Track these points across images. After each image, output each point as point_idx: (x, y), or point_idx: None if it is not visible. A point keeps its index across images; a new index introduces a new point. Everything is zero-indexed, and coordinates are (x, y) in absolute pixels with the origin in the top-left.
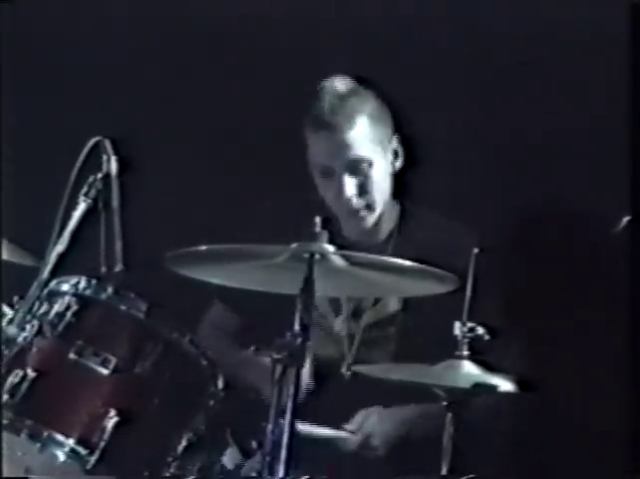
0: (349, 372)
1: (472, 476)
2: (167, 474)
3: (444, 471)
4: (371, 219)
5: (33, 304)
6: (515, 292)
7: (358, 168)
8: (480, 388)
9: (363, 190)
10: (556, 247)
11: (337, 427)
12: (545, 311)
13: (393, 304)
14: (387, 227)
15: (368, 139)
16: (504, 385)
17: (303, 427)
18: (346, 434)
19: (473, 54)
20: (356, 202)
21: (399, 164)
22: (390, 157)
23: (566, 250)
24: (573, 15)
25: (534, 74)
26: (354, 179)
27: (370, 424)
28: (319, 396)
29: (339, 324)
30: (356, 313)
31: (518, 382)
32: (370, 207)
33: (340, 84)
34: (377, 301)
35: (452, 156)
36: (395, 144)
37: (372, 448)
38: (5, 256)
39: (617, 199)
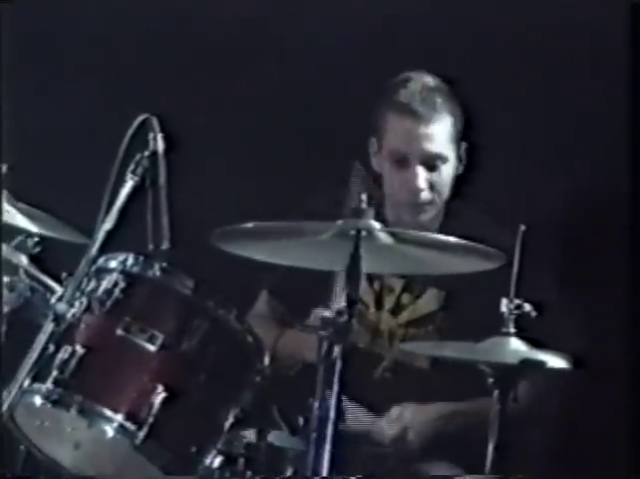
0: (387, 373)
1: (520, 476)
2: (214, 450)
3: (490, 449)
4: (430, 214)
5: (81, 281)
6: (562, 269)
7: (433, 162)
8: (528, 364)
9: (433, 185)
10: (603, 224)
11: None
12: (593, 288)
13: (433, 302)
14: (433, 225)
15: (448, 137)
16: (553, 361)
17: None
18: (381, 426)
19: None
20: (424, 195)
21: (461, 169)
22: (458, 160)
23: (613, 228)
24: (573, 15)
25: (534, 74)
26: (427, 172)
27: (405, 418)
28: (355, 390)
29: (379, 318)
30: (395, 309)
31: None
32: (434, 203)
33: (429, 78)
34: (417, 298)
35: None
36: (463, 149)
37: (407, 442)
38: (54, 234)
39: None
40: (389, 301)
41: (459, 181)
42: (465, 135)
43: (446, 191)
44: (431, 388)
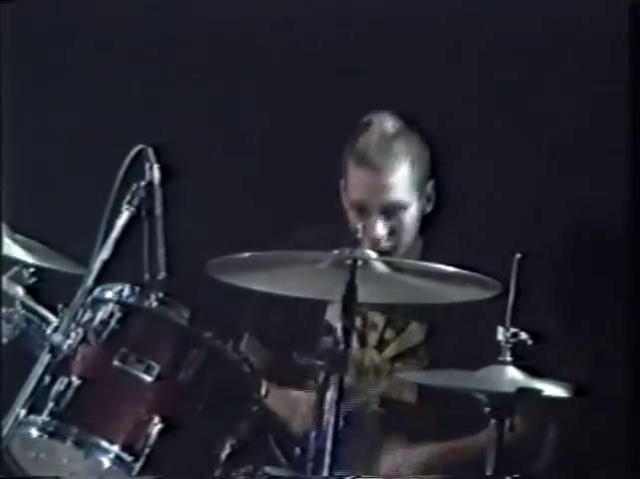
0: (375, 407)
1: (516, 476)
2: None
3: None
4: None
5: (77, 312)
6: (558, 297)
7: (393, 211)
8: (525, 393)
9: (393, 232)
10: (598, 253)
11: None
12: (590, 315)
13: (416, 335)
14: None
15: (407, 183)
16: (549, 390)
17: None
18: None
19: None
20: (384, 243)
21: (430, 208)
22: (423, 200)
23: (610, 254)
24: (573, 15)
25: (534, 74)
26: (386, 221)
27: (396, 464)
28: (345, 427)
29: (363, 355)
30: (380, 345)
31: (567, 386)
32: (396, 248)
33: (388, 123)
34: (400, 332)
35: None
36: (430, 188)
37: None
38: (49, 265)
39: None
40: (372, 338)
41: (433, 215)
42: (436, 171)
43: (408, 234)
44: (418, 422)
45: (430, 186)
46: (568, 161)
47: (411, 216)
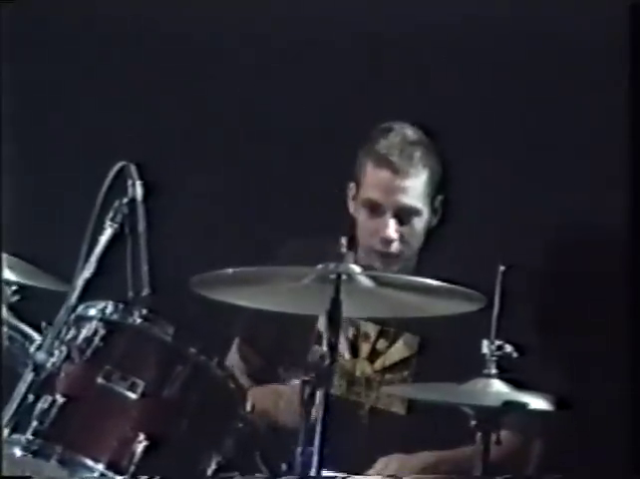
0: (367, 418)
1: (508, 476)
2: None
3: None
4: (399, 265)
5: (61, 330)
6: (543, 310)
7: (406, 215)
8: (510, 406)
9: (404, 237)
10: (583, 264)
11: (357, 473)
12: (573, 328)
13: (408, 347)
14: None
15: (423, 190)
16: (535, 403)
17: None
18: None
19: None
20: (395, 247)
21: (435, 222)
22: (432, 213)
23: (594, 267)
24: (573, 15)
25: (533, 74)
26: (399, 224)
27: (391, 469)
28: (337, 439)
29: (354, 366)
30: (371, 356)
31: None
32: (403, 255)
33: (409, 130)
34: (392, 343)
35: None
36: (438, 202)
37: None
38: (32, 282)
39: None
40: (364, 348)
41: (432, 233)
42: (442, 187)
43: (416, 243)
44: (407, 434)
45: (439, 200)
46: (560, 172)
47: (421, 224)
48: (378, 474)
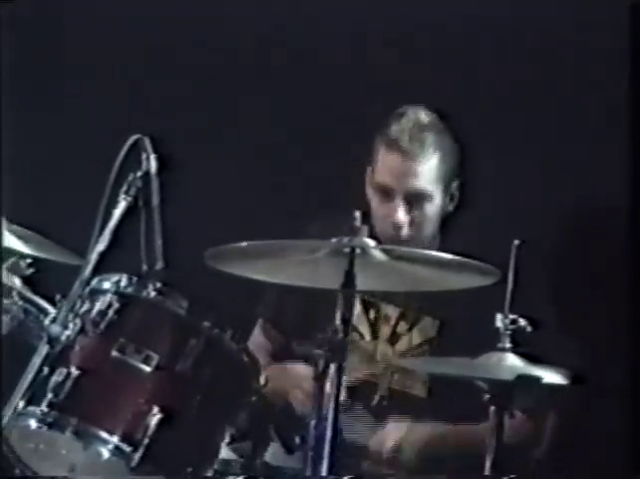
0: (384, 402)
1: (513, 476)
2: (211, 470)
3: (487, 467)
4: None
5: (75, 303)
6: (557, 284)
7: (418, 199)
8: (524, 380)
9: (414, 222)
10: (597, 239)
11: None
12: (590, 301)
13: (429, 330)
14: None
15: (434, 174)
16: (549, 377)
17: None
18: (379, 440)
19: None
20: (405, 231)
21: (452, 207)
22: (447, 198)
23: (609, 242)
24: (573, 15)
25: (533, 74)
26: (410, 209)
27: (401, 432)
28: (353, 420)
29: (375, 348)
30: (392, 339)
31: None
32: (414, 240)
33: (422, 114)
34: (413, 326)
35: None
36: (454, 187)
37: (403, 456)
38: (47, 255)
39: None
40: (385, 331)
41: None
42: (458, 172)
43: (427, 228)
44: (428, 417)
45: (455, 185)
46: (568, 155)
47: (433, 209)
48: (388, 435)
